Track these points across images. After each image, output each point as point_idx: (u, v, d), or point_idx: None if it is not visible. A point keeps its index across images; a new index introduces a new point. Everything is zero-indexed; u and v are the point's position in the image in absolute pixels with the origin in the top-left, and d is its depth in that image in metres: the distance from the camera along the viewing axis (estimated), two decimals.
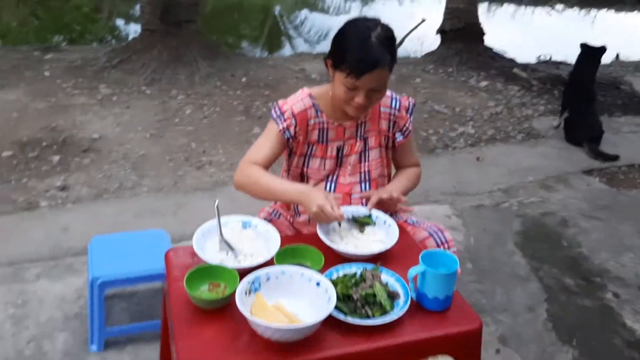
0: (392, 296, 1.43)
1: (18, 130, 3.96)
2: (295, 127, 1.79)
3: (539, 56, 7.54)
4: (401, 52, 7.42)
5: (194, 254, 1.55)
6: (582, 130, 4.23)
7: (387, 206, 1.80)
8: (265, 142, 1.81)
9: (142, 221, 2.95)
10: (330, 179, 1.88)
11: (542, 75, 5.98)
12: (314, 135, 1.84)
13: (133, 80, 4.98)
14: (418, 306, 1.44)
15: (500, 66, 6.24)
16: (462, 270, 2.61)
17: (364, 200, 1.84)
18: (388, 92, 1.87)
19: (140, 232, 2.28)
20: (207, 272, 1.45)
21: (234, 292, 1.34)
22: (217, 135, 4.11)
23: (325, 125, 1.83)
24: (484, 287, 2.52)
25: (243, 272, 1.43)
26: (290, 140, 1.81)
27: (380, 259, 1.58)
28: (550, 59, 7.39)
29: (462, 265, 2.65)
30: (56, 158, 3.63)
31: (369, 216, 1.73)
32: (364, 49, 1.61)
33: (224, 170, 3.64)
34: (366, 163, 1.89)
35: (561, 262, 2.72)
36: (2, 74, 4.96)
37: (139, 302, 2.32)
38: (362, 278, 1.46)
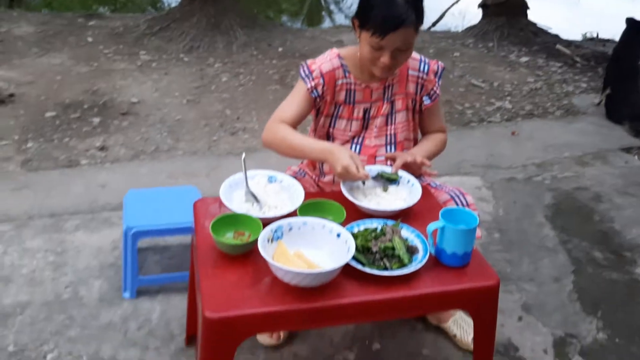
0: (411, 250, 1.46)
1: (61, 92, 4.10)
2: (323, 86, 1.81)
3: (585, 33, 7.30)
4: (441, 26, 7.31)
5: (221, 205, 1.60)
6: (624, 107, 4.10)
7: (412, 169, 1.81)
8: (293, 101, 1.83)
9: (176, 181, 3.04)
10: (355, 140, 1.90)
11: (587, 53, 5.81)
12: (341, 96, 1.85)
13: (172, 47, 5.07)
14: (436, 261, 1.46)
15: (542, 42, 6.08)
16: (489, 240, 2.62)
17: (388, 162, 1.86)
18: (417, 55, 1.87)
19: (173, 188, 2.36)
20: (232, 220, 1.50)
21: (257, 239, 1.39)
22: (251, 103, 4.17)
23: (352, 87, 1.84)
24: (510, 257, 2.51)
25: (267, 222, 1.47)
26: (318, 99, 1.84)
27: (401, 216, 1.60)
28: (597, 36, 7.15)
29: (489, 235, 2.66)
30: (96, 120, 3.75)
31: (396, 173, 1.75)
32: (389, 7, 1.61)
33: (257, 137, 3.69)
34: (392, 126, 1.90)
35: (591, 236, 2.68)
36: (47, 39, 5.13)
37: (171, 256, 2.41)
38: (382, 232, 1.49)
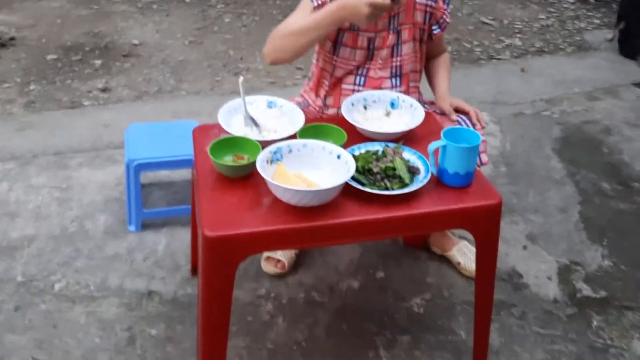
0: (412, 171, 1.44)
1: (62, 35, 4.04)
2: None
3: None
4: None
5: (220, 130, 1.58)
6: (638, 40, 3.97)
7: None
8: (298, 16, 1.76)
9: (179, 119, 3.01)
10: (359, 72, 1.85)
11: None
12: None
13: None
14: (438, 182, 1.45)
15: None
16: (495, 174, 2.60)
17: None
18: None
19: (175, 122, 2.35)
20: (231, 143, 1.49)
21: (256, 160, 1.37)
22: (255, 43, 4.08)
23: None
24: (516, 189, 2.49)
25: (266, 146, 1.45)
26: None
27: (403, 139, 1.58)
28: None
29: (495, 169, 2.63)
30: (98, 62, 3.70)
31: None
32: None
33: (261, 76, 3.64)
34: (398, 57, 1.84)
35: (599, 168, 2.65)
36: None
37: (175, 191, 2.41)
38: (384, 154, 1.47)
